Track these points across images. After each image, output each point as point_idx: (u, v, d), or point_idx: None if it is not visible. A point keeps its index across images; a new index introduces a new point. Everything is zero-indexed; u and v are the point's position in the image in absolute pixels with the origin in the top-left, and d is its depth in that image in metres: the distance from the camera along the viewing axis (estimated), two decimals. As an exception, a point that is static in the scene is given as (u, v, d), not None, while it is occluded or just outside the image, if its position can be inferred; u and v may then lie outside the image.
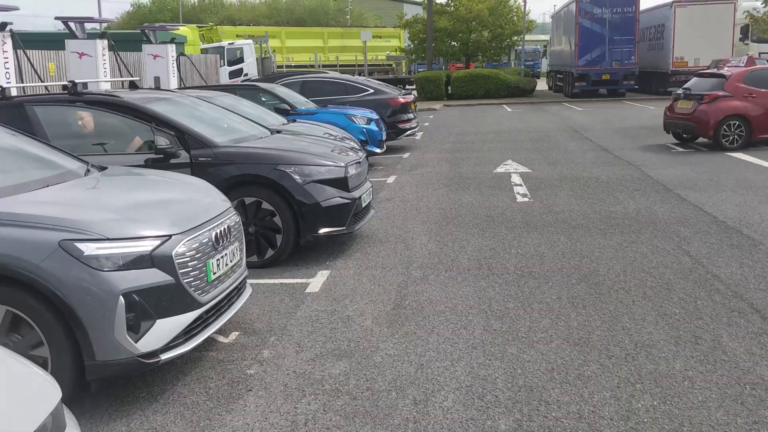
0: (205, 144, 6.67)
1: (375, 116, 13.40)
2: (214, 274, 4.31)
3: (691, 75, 31.50)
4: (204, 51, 36.11)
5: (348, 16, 66.09)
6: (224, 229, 4.50)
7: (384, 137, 13.52)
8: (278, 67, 37.48)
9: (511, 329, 4.88)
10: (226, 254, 4.50)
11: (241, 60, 35.41)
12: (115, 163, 6.36)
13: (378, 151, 13.03)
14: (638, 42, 31.94)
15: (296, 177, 6.58)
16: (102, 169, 5.10)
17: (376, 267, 6.57)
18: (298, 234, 6.64)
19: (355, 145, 10.34)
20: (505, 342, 4.67)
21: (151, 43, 16.35)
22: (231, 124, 7.79)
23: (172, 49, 16.40)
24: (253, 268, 6.55)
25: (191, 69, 22.72)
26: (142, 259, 3.85)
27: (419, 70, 41.75)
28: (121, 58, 14.89)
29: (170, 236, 4.01)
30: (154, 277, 3.87)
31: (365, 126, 12.78)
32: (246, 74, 33.69)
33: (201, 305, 4.14)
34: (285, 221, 6.56)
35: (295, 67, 38.25)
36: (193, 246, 4.12)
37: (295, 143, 7.71)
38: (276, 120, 10.64)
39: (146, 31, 16.55)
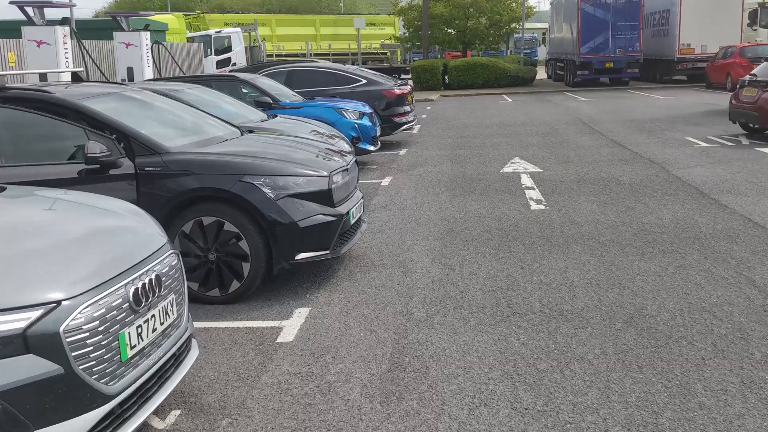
0: (153, 150, 5.36)
1: (368, 110, 12.09)
2: (133, 348, 3.02)
3: (698, 62, 30.55)
4: (190, 40, 34.78)
5: (341, 4, 64.56)
6: (151, 280, 3.21)
7: (378, 133, 12.22)
8: (268, 56, 36.07)
9: (549, 407, 3.61)
10: (153, 316, 3.21)
11: (228, 49, 34.01)
12: (36, 176, 5.08)
13: (371, 148, 11.73)
14: (642, 28, 30.63)
15: (267, 190, 5.28)
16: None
17: (368, 303, 5.29)
18: (270, 261, 5.35)
19: (345, 146, 9.06)
20: (543, 431, 3.40)
21: (123, 30, 14.98)
22: (192, 123, 6.48)
23: (146, 37, 15.03)
24: (214, 305, 5.27)
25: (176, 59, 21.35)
26: (10, 343, 2.56)
27: (415, 59, 40.36)
28: (84, 47, 13.51)
29: (59, 302, 2.73)
30: (29, 368, 2.58)
31: (357, 121, 11.47)
32: (234, 64, 32.26)
33: (110, 398, 2.86)
34: (253, 246, 5.26)
35: (286, 56, 36.85)
36: (98, 313, 2.83)
37: (270, 146, 6.40)
38: (254, 116, 9.34)
39: (117, 17, 15.17)
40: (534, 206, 8.38)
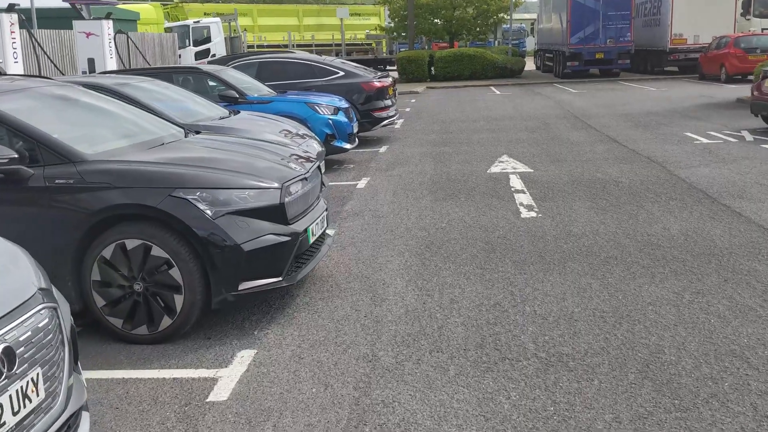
0: (67, 158, 4.42)
1: (344, 104, 11.15)
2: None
3: (690, 53, 29.74)
4: (168, 30, 33.64)
5: (326, -6, 63.29)
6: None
7: (355, 129, 11.29)
8: (249, 47, 35.02)
9: None
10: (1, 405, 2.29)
11: (208, 40, 32.93)
12: None
13: (348, 146, 10.79)
14: (633, 18, 29.78)
15: (203, 207, 4.35)
16: None
17: (327, 343, 4.38)
18: (208, 292, 4.42)
19: (315, 146, 8.16)
20: None
21: (83, 19, 13.95)
22: (125, 124, 5.53)
23: (108, 26, 14.00)
24: (142, 344, 4.34)
25: (147, 49, 20.32)
26: None
27: (401, 50, 39.38)
28: (34, 37, 12.48)
29: None
30: None
31: (331, 117, 10.53)
32: (213, 55, 31.18)
33: None
34: (187, 274, 4.33)
35: (268, 47, 35.76)
36: None
37: (216, 152, 5.46)
38: (213, 112, 8.40)
39: (77, 4, 14.13)
40: (525, 213, 7.49)
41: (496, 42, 49.12)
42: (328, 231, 5.66)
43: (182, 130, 5.84)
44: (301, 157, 5.72)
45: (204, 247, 4.32)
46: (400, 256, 6.15)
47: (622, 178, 9.07)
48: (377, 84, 12.98)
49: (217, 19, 33.57)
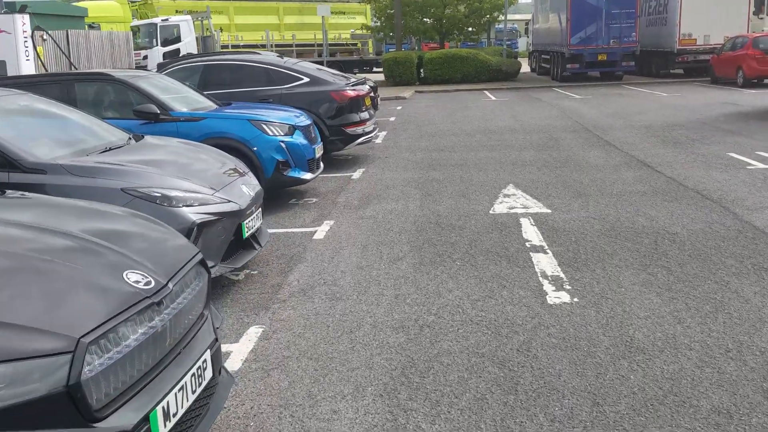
0: None
1: (304, 121, 8.64)
2: None
3: (700, 54, 27.39)
4: (135, 29, 31.11)
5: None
6: None
7: (319, 153, 8.78)
8: (223, 46, 32.44)
9: None
10: None
11: (177, 39, 30.35)
12: None
13: (307, 176, 8.29)
14: (638, 16, 27.42)
15: None
16: None
17: None
18: None
19: (243, 192, 5.68)
20: None
21: (-9, 12, 11.40)
22: None
23: (22, 21, 11.43)
24: None
25: (95, 50, 17.76)
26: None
27: (390, 50, 36.89)
28: None
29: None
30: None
31: (285, 139, 8.02)
32: (184, 55, 28.63)
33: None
34: None
35: (245, 47, 33.21)
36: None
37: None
38: (98, 140, 5.88)
39: (-17, -5, 11.59)
40: (552, 295, 5.01)
41: (490, 42, 46.77)
42: (223, 374, 3.17)
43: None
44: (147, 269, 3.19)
45: None
46: (358, 398, 3.66)
47: (675, 227, 6.61)
48: (350, 93, 10.48)
49: (188, 17, 31.01)
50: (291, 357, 4.22)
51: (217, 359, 3.13)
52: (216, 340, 3.16)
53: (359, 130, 10.57)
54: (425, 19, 35.37)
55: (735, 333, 4.24)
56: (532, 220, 7.08)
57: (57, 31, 16.24)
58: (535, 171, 9.73)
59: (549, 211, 7.45)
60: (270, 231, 6.94)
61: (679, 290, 4.99)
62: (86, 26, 26.31)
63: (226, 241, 5.24)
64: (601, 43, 27.19)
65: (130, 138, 6.16)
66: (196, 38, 30.99)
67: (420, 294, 5.16)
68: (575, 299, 4.91)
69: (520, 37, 61.72)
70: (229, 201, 5.31)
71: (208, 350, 3.01)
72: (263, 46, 32.83)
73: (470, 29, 36.87)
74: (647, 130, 13.27)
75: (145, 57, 29.10)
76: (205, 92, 10.12)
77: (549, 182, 8.93)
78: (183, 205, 4.99)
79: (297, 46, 34.67)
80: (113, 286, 2.62)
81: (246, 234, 5.48)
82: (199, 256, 3.23)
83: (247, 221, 5.49)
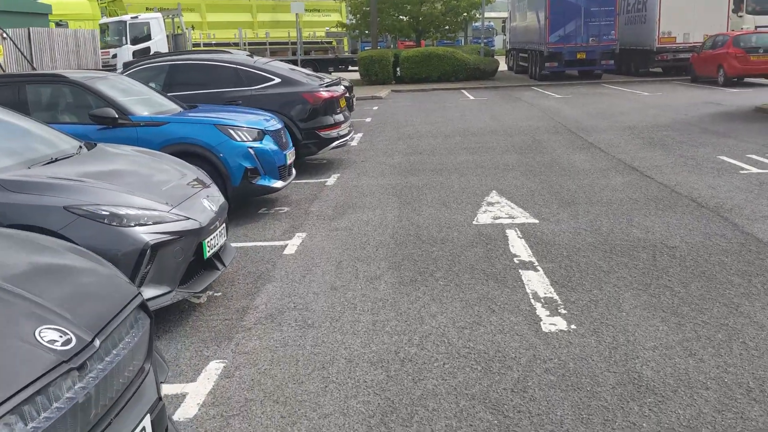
0: None
1: (274, 125, 8.09)
2: None
3: (680, 52, 27.18)
4: (103, 27, 30.32)
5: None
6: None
7: (291, 159, 8.23)
8: (194, 45, 31.67)
9: None
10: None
11: (148, 37, 29.56)
12: None
13: (278, 185, 7.74)
14: (618, 14, 27.14)
15: None
16: None
17: None
18: None
19: (205, 208, 5.13)
20: None
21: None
22: None
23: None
24: None
25: (59, 48, 17.03)
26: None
27: (366, 48, 36.33)
28: None
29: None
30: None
31: (253, 144, 7.47)
32: (153, 54, 27.87)
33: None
34: None
35: (217, 45, 32.47)
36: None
37: None
38: (50, 148, 5.32)
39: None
40: (546, 320, 4.53)
41: (467, 40, 46.38)
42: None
43: None
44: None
45: None
46: (330, 456, 3.15)
47: (673, 240, 6.17)
48: (324, 94, 9.94)
49: (159, 14, 30.23)
50: (255, 400, 3.70)
51: (161, 424, 2.59)
52: (159, 399, 2.63)
53: (334, 133, 10.04)
54: (401, 17, 34.91)
55: (754, 368, 3.79)
56: (518, 232, 6.61)
57: (18, 29, 15.52)
58: (518, 176, 9.27)
59: (536, 221, 6.98)
60: (237, 245, 6.40)
61: (686, 315, 4.53)
62: (53, 24, 25.54)
63: (184, 262, 4.69)
64: (580, 41, 26.88)
65: (80, 147, 5.59)
66: (167, 36, 30.24)
67: (400, 320, 4.65)
68: (572, 326, 4.43)
69: (496, 35, 61.51)
70: (188, 218, 4.77)
71: (149, 415, 2.48)
72: (236, 45, 32.15)
73: (447, 27, 36.47)
74: (632, 132, 12.88)
75: (114, 56, 28.31)
76: (170, 94, 9.56)
77: (534, 189, 8.46)
78: (135, 224, 4.44)
79: (271, 44, 34.01)
80: (20, 350, 2.09)
81: (207, 254, 4.94)
82: (139, 299, 2.69)
83: (208, 239, 4.95)
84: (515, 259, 5.82)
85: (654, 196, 7.85)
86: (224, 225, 5.37)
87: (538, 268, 5.58)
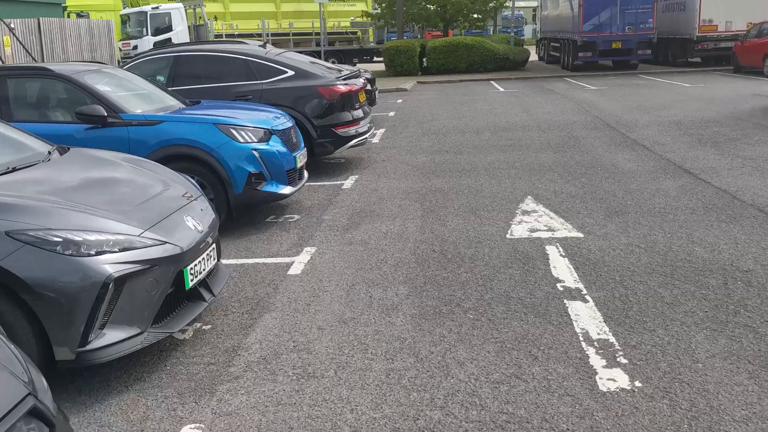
0: None
1: (283, 123, 7.24)
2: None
3: (722, 41, 25.85)
4: (124, 17, 29.81)
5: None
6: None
7: (301, 161, 7.37)
8: (217, 35, 31.01)
9: None
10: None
11: (169, 28, 28.93)
12: None
13: (287, 191, 6.88)
14: (655, 1, 25.86)
15: None
16: None
17: None
18: None
19: (188, 230, 4.31)
20: None
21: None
22: None
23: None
24: None
25: (72, 40, 16.36)
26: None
27: (391, 39, 35.35)
28: None
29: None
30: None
31: (258, 146, 6.63)
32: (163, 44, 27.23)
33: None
34: None
35: (240, 35, 31.78)
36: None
37: None
38: (13, 154, 4.54)
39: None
40: (604, 377, 3.64)
41: (496, 30, 45.15)
42: None
43: None
44: None
45: None
46: None
47: (745, 261, 5.21)
48: (341, 88, 9.07)
49: (180, 4, 29.58)
50: (231, 489, 2.86)
51: None
52: None
53: (352, 130, 9.17)
54: (428, 6, 33.83)
55: None
56: (560, 249, 5.70)
57: (27, 19, 14.86)
58: (556, 178, 8.33)
59: (580, 235, 6.06)
60: (237, 262, 5.61)
61: (781, 370, 3.61)
62: (74, 14, 24.96)
63: (159, 296, 3.87)
64: (615, 30, 25.63)
65: (50, 152, 4.80)
66: (189, 27, 29.60)
67: (421, 368, 3.79)
68: (636, 382, 3.53)
69: (526, 24, 60.14)
70: (165, 242, 3.94)
71: None
72: (259, 35, 31.41)
73: (475, 16, 35.31)
74: (677, 127, 11.83)
75: (135, 47, 27.71)
76: (175, 88, 8.79)
77: (575, 194, 7.53)
78: (95, 253, 3.63)
79: (294, 35, 33.24)
80: None
81: (190, 283, 4.11)
82: (30, 402, 1.86)
83: (192, 266, 4.12)
84: (559, 285, 4.91)
85: (713, 204, 6.87)
86: (215, 245, 4.54)
87: (587, 297, 4.67)
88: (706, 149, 9.75)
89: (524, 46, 32.81)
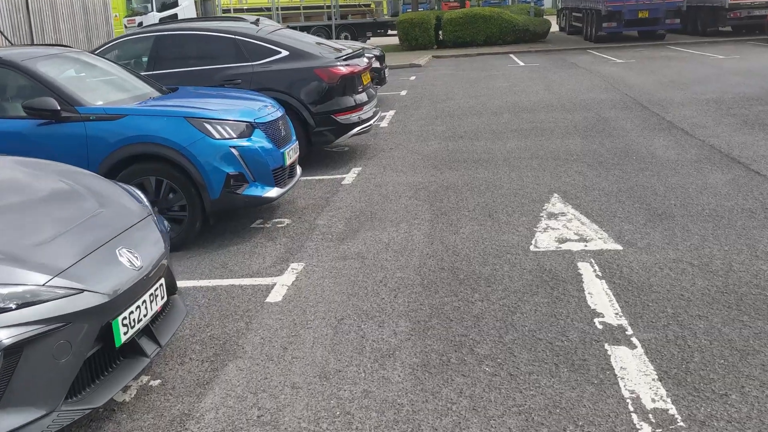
0: None
1: (270, 114, 6.25)
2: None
3: (755, 9, 24.37)
4: (129, -6, 28.86)
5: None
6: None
7: (291, 158, 6.39)
8: (224, 10, 29.98)
9: None
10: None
11: (175, 3, 27.98)
12: None
13: (272, 194, 5.91)
14: (684, -34, 24.40)
15: None
16: None
17: None
18: None
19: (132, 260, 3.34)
20: None
21: None
22: None
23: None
24: None
25: (64, 19, 15.43)
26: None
27: (407, 11, 34.08)
28: None
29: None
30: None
31: (237, 142, 5.66)
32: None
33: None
34: None
35: (248, 10, 30.79)
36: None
37: None
38: None
39: None
40: (665, 472, 2.66)
41: (514, 0, 43.62)
42: None
43: None
44: None
45: None
46: None
47: (827, 285, 4.20)
48: (342, 69, 8.06)
49: (186, -21, 28.51)
50: None
51: None
52: None
53: (354, 117, 8.18)
54: (444, -24, 32.54)
55: None
56: (596, 267, 4.71)
57: (15, -3, 13.94)
58: (585, 170, 7.31)
59: (619, 247, 5.06)
60: (209, 283, 4.71)
61: None
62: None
63: (75, 362, 2.95)
64: (642, -2, 24.24)
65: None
66: (195, 2, 28.59)
67: (420, 457, 2.85)
68: (713, 488, 2.56)
69: (544, -8, 58.31)
70: (83, 290, 3.00)
71: None
72: (268, 9, 30.35)
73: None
74: (717, 106, 10.70)
75: (141, 24, 26.75)
76: (156, 72, 7.88)
77: (609, 191, 6.51)
78: (-19, 311, 2.70)
79: (305, 8, 32.19)
80: None
81: (123, 338, 3.18)
82: None
83: (125, 315, 3.19)
84: (597, 321, 3.94)
85: (774, 204, 5.83)
86: (162, 280, 3.60)
87: (634, 341, 3.69)
88: (754, 133, 8.65)
89: (545, 17, 31.44)
